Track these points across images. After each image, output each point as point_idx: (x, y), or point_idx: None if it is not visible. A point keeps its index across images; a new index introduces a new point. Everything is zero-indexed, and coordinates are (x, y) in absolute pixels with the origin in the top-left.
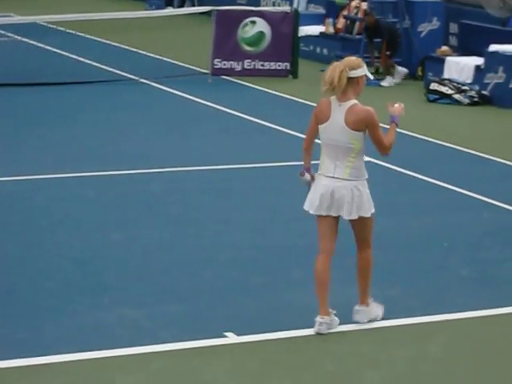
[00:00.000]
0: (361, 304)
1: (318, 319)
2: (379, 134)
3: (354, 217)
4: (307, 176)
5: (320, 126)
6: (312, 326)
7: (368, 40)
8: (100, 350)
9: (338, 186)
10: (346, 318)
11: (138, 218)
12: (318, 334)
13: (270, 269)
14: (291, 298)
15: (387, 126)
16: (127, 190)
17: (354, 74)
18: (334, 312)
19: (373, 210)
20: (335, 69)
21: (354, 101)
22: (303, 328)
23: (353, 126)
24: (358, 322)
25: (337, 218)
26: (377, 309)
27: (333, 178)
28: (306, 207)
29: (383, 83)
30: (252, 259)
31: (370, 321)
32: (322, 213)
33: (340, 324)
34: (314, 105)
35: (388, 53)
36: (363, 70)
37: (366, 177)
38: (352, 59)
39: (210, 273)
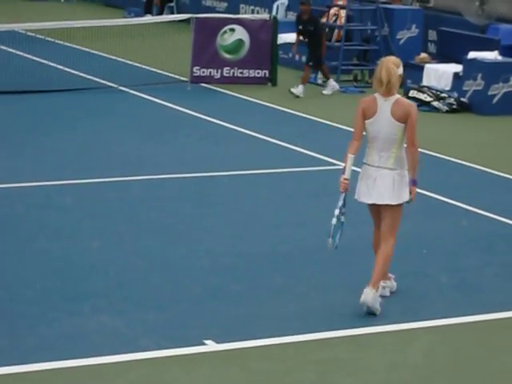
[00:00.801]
0: (372, 287)
1: (381, 283)
2: (415, 128)
3: (396, 202)
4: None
5: (367, 121)
6: (292, 333)
7: (299, 30)
8: (80, 358)
9: (381, 173)
10: (324, 325)
11: (117, 226)
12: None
13: (249, 276)
14: (271, 306)
15: None
16: (106, 198)
17: (400, 71)
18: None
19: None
20: (389, 68)
21: (398, 95)
22: (283, 335)
23: (398, 118)
24: (366, 303)
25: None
26: (378, 298)
27: (378, 167)
28: (356, 197)
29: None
30: (231, 266)
31: (374, 306)
32: (369, 201)
33: (319, 331)
34: (293, 112)
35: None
36: (402, 68)
37: (407, 167)
38: (394, 58)
39: (189, 280)
